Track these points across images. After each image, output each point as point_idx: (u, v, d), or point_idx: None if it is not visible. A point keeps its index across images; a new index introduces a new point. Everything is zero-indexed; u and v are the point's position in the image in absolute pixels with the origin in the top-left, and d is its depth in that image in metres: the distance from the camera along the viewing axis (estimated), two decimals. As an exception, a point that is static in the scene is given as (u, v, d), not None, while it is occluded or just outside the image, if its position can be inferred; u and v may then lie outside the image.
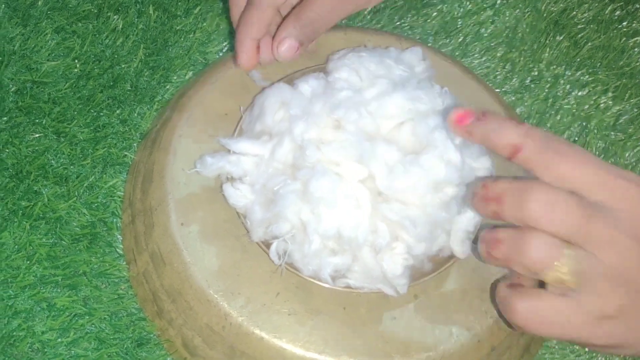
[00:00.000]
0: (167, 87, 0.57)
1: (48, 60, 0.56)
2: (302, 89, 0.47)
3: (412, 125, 0.44)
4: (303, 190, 0.42)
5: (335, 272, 0.42)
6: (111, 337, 0.45)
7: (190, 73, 0.58)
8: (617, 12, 0.66)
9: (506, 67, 0.61)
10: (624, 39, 0.64)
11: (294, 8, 0.48)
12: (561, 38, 0.64)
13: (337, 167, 0.43)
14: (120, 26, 0.59)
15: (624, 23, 0.65)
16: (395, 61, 0.49)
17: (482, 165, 0.45)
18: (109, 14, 0.59)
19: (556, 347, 0.49)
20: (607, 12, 0.66)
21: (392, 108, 0.45)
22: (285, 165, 0.44)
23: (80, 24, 0.58)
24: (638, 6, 0.66)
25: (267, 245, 0.43)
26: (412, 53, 0.50)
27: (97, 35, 0.58)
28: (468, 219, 0.43)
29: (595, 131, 0.59)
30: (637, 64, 0.63)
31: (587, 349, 0.49)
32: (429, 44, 0.62)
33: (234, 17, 0.50)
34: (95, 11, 0.59)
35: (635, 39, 0.64)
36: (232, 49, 0.59)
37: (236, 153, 0.46)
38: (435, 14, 0.63)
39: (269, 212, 0.43)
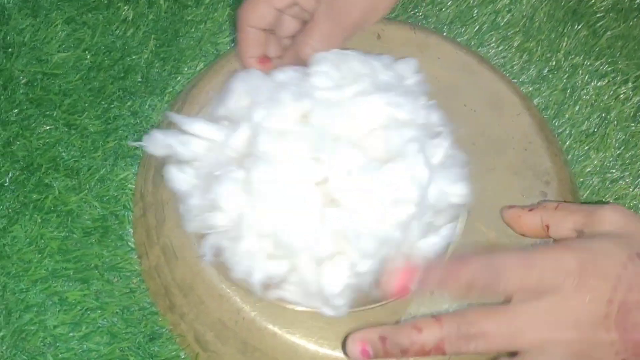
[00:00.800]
0: (178, 78, 0.56)
1: (58, 51, 0.56)
2: (275, 77, 0.43)
3: (386, 132, 0.40)
4: (245, 180, 0.38)
5: (268, 279, 0.39)
6: (123, 332, 0.45)
7: (202, 64, 0.57)
8: (638, 0, 0.64)
9: (523, 57, 0.60)
10: (645, 27, 0.63)
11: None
12: (579, 27, 0.62)
13: (290, 162, 0.39)
14: (131, 17, 0.58)
15: (645, 11, 0.64)
16: (384, 67, 0.45)
17: (457, 192, 0.41)
18: (119, 4, 0.59)
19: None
20: None
21: (369, 110, 0.41)
22: (239, 154, 0.40)
23: (90, 15, 0.58)
24: (659, -7, 0.65)
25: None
26: (406, 63, 0.46)
27: (108, 26, 0.58)
28: (429, 245, 0.40)
29: (615, 122, 0.57)
30: (658, 53, 0.61)
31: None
32: (444, 33, 0.60)
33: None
34: (106, 1, 0.59)
35: (657, 27, 0.63)
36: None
37: (189, 134, 0.42)
38: (450, 2, 0.62)
39: (205, 199, 0.39)
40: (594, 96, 0.59)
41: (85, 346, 0.44)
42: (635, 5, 0.64)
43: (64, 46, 0.56)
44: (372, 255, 0.38)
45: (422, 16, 0.62)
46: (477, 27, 0.61)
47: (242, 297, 0.42)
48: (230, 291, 0.43)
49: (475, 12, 0.62)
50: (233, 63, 0.51)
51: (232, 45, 0.58)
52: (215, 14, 0.59)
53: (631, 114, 0.58)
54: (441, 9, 0.62)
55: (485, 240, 0.46)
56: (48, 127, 0.52)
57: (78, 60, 0.56)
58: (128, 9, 0.58)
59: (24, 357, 0.43)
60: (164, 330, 0.46)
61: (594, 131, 0.57)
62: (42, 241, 0.47)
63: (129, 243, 0.48)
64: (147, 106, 0.54)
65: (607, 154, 0.56)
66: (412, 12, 0.62)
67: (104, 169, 0.51)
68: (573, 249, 0.36)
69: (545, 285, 0.35)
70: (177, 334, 0.45)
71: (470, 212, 0.47)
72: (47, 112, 0.53)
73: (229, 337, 0.43)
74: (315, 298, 0.39)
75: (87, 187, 0.50)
